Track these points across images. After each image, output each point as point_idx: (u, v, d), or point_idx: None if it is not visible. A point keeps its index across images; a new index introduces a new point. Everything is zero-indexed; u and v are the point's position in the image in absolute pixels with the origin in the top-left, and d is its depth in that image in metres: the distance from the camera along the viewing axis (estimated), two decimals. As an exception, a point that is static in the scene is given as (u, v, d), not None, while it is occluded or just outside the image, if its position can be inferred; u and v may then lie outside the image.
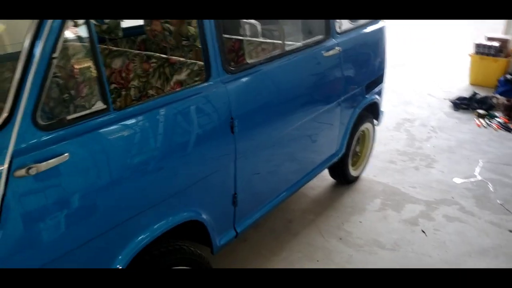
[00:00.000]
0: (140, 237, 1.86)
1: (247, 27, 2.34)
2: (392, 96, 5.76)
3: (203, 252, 2.20)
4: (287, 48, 2.61)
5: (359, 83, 3.33)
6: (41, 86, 1.48)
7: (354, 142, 3.56)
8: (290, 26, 2.91)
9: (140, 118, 1.81)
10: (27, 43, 1.47)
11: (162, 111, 1.88)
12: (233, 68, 2.19)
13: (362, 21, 3.40)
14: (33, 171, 1.44)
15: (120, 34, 2.62)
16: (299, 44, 2.75)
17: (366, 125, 3.71)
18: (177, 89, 2.08)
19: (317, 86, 2.85)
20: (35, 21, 1.49)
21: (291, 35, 2.84)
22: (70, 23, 1.57)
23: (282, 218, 3.29)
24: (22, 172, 1.43)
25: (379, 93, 3.74)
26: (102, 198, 1.67)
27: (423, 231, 3.15)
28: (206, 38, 2.05)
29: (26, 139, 1.46)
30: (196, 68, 2.31)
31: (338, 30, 3.05)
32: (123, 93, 2.62)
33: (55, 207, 1.53)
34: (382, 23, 3.66)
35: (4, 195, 1.39)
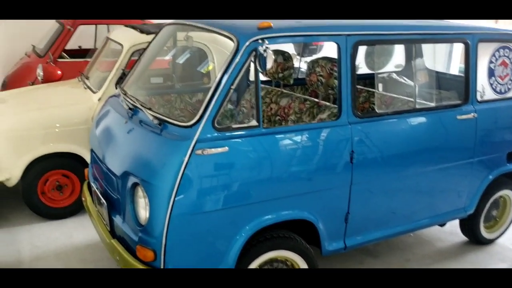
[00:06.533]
0: (267, 217, 2.61)
1: (381, 84, 2.99)
2: None
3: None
4: (418, 106, 3.17)
5: (496, 150, 3.59)
6: (220, 104, 2.42)
7: (488, 205, 3.76)
8: (428, 88, 3.43)
9: (281, 136, 2.62)
10: (218, 76, 2.43)
11: (298, 134, 2.66)
12: (359, 113, 2.86)
13: (511, 94, 3.68)
14: (205, 152, 2.37)
15: (291, 81, 3.51)
16: (431, 104, 3.26)
17: (506, 192, 3.87)
18: (313, 122, 2.84)
19: (443, 144, 3.27)
20: (227, 61, 2.44)
21: (428, 97, 3.36)
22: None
23: (400, 256, 3.69)
24: (199, 151, 2.36)
25: (528, 165, 3.86)
26: (246, 181, 2.49)
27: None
28: (341, 89, 2.78)
29: (206, 133, 2.40)
30: (335, 111, 3.02)
31: (478, 98, 3.44)
32: (283, 123, 3.48)
33: (214, 176, 2.42)
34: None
35: (188, 162, 2.33)
